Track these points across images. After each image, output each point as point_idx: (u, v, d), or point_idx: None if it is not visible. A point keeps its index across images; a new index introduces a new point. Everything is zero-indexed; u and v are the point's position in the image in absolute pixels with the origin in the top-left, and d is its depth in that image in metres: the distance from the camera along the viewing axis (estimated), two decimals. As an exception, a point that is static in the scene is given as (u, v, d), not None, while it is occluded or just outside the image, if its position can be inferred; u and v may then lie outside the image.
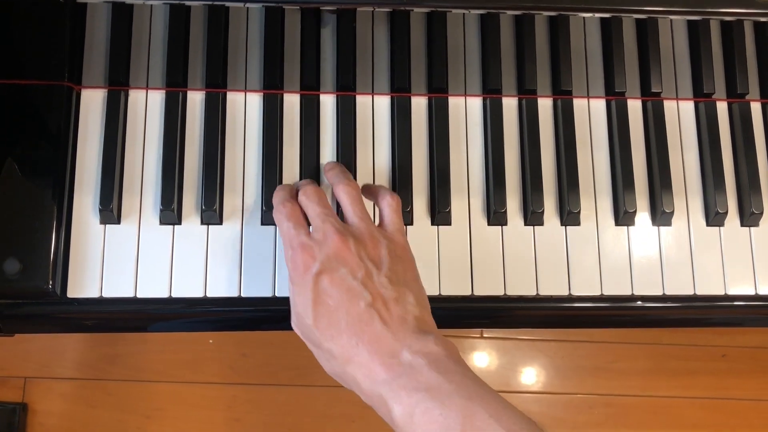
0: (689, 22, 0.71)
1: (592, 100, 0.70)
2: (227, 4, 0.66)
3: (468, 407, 0.46)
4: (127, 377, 1.53)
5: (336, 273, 0.53)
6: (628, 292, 0.67)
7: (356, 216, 0.57)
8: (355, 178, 0.66)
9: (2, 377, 1.50)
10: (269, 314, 0.64)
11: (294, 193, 0.61)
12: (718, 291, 0.67)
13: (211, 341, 1.53)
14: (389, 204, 0.60)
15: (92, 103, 0.65)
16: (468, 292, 0.65)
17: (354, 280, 0.52)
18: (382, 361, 0.50)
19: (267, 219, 0.64)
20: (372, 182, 0.66)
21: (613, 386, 1.59)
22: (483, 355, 1.59)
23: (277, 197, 0.60)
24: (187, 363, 1.54)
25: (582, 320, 0.68)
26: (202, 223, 0.64)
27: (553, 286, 0.66)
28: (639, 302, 0.67)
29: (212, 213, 0.63)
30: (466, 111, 0.69)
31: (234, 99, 0.67)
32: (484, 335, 1.60)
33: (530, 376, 1.59)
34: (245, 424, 1.53)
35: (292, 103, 0.67)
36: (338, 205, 0.61)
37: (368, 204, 0.65)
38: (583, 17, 0.70)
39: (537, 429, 0.46)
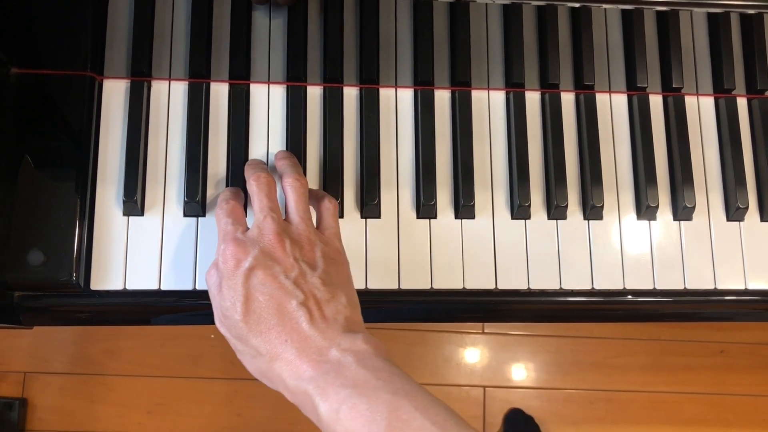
0: (710, 16, 0.71)
1: (613, 95, 0.70)
2: (252, -5, 0.65)
3: (394, 401, 0.47)
4: (127, 372, 1.52)
5: (269, 270, 0.53)
6: (650, 287, 0.67)
7: (298, 214, 0.57)
8: (378, 171, 0.66)
9: (1, 372, 1.49)
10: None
11: (239, 194, 0.61)
12: (739, 286, 0.68)
13: (212, 336, 1.53)
14: (327, 208, 0.60)
15: (114, 93, 0.65)
16: (492, 286, 0.65)
17: (287, 279, 0.53)
18: (309, 359, 0.50)
19: (291, 211, 0.64)
20: (396, 176, 0.66)
21: (613, 382, 1.61)
22: (484, 350, 1.60)
23: (223, 195, 0.60)
24: (187, 357, 1.53)
25: (603, 315, 0.68)
26: (227, 215, 0.63)
27: (575, 280, 0.66)
28: (660, 297, 0.68)
29: (237, 205, 0.63)
30: (489, 105, 0.69)
31: (257, 91, 0.66)
32: (485, 331, 1.61)
33: (531, 372, 1.60)
34: (246, 418, 1.53)
35: (315, 95, 0.67)
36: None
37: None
38: (605, 9, 0.70)
39: (462, 422, 0.47)
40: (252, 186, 0.58)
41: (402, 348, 1.58)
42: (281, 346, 0.51)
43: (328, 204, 0.60)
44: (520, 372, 1.60)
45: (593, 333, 1.62)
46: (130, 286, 0.62)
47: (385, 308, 0.66)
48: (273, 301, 0.52)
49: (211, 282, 0.55)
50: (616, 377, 1.61)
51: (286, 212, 0.58)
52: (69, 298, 0.62)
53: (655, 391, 1.61)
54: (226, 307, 0.54)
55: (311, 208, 0.61)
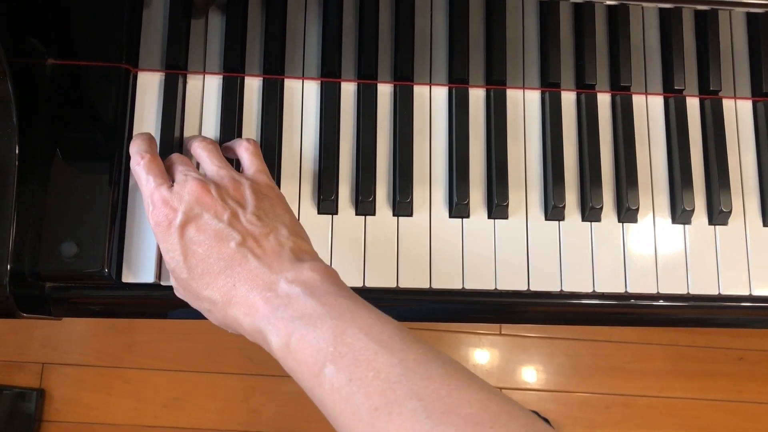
0: (749, 16, 0.70)
1: (650, 97, 0.69)
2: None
3: (339, 326, 0.46)
4: (144, 365, 1.52)
5: (200, 219, 0.52)
6: (684, 291, 0.66)
7: (214, 165, 0.57)
8: (411, 168, 0.65)
9: (20, 362, 1.49)
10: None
11: (154, 144, 0.60)
12: (774, 292, 0.67)
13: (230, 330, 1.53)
14: (246, 148, 0.60)
15: (149, 86, 0.64)
16: (524, 287, 0.65)
17: (220, 223, 0.52)
18: (260, 296, 0.50)
19: (324, 208, 0.64)
20: (429, 175, 0.66)
21: (630, 386, 1.59)
22: (501, 352, 1.59)
23: (134, 147, 0.59)
24: (204, 352, 1.53)
25: (636, 319, 0.68)
26: (259, 210, 0.63)
27: (609, 284, 0.65)
28: (693, 302, 0.67)
29: (270, 200, 0.62)
30: (525, 105, 0.68)
31: (291, 86, 0.66)
32: (502, 332, 1.60)
33: (548, 375, 1.59)
34: (262, 415, 1.52)
35: (349, 91, 0.67)
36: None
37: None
38: (642, 7, 0.70)
39: (409, 338, 0.46)
40: (167, 161, 0.58)
41: (418, 348, 1.57)
42: (232, 290, 0.51)
43: (247, 144, 0.60)
44: (537, 374, 1.59)
45: (611, 337, 1.61)
46: (161, 280, 0.62)
47: (416, 307, 0.66)
48: (212, 249, 0.52)
49: (164, 259, 0.56)
50: (633, 382, 1.60)
51: (203, 169, 0.58)
52: (100, 290, 0.62)
53: (672, 397, 1.60)
54: (173, 269, 0.54)
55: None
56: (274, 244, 0.52)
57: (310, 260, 0.52)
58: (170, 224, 0.53)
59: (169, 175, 0.58)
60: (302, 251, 0.53)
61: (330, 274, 0.51)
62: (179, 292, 0.56)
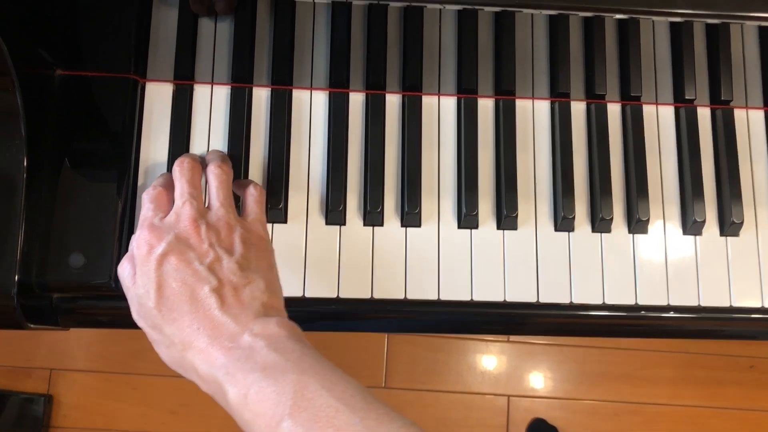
0: (761, 29, 0.70)
1: (660, 107, 0.69)
2: (295, -1, 0.65)
3: (301, 381, 0.46)
4: (152, 372, 1.52)
5: (182, 256, 0.52)
6: (695, 303, 0.66)
7: (218, 200, 0.56)
8: (419, 179, 0.65)
9: (28, 368, 1.49)
10: (332, 312, 0.63)
11: (172, 182, 0.59)
12: (787, 304, 0.66)
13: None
14: (251, 194, 0.59)
15: (157, 96, 0.64)
16: (533, 299, 0.64)
17: (201, 265, 0.52)
18: (221, 346, 0.49)
19: (332, 219, 0.63)
20: (437, 184, 0.65)
21: (639, 394, 1.58)
22: (509, 359, 1.58)
23: (155, 181, 0.59)
24: (212, 359, 1.53)
25: (648, 330, 0.67)
26: (267, 221, 0.63)
27: (619, 295, 0.65)
28: (704, 313, 0.66)
29: (278, 211, 0.62)
30: (534, 114, 0.68)
31: (300, 97, 0.66)
32: (510, 339, 1.59)
33: (556, 382, 1.58)
34: (269, 421, 1.52)
35: (357, 102, 0.66)
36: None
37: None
38: (653, 21, 0.69)
39: (371, 398, 0.46)
40: (175, 171, 0.58)
41: (425, 355, 1.56)
42: (194, 334, 0.50)
43: (253, 190, 0.59)
44: (545, 381, 1.58)
45: (620, 344, 1.60)
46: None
47: (424, 319, 0.65)
48: (186, 288, 0.51)
49: (124, 275, 0.54)
50: (642, 390, 1.59)
51: (208, 198, 0.57)
52: (107, 301, 0.62)
53: (682, 404, 1.59)
54: (140, 294, 0.53)
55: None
56: (248, 296, 0.52)
57: (278, 316, 0.52)
58: (151, 251, 0.52)
59: (172, 181, 0.58)
60: (272, 307, 0.53)
61: (296, 332, 0.51)
62: (138, 319, 0.54)
